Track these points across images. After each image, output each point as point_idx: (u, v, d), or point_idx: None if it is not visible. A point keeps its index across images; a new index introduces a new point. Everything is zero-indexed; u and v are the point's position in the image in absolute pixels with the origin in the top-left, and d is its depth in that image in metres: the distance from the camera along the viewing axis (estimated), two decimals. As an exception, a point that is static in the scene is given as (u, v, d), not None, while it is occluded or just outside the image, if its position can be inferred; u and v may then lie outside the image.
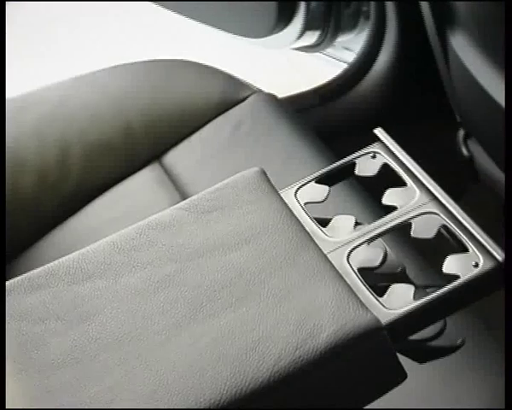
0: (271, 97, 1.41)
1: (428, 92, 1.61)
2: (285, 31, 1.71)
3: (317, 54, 1.82)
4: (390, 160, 0.95)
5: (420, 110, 1.61)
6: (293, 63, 1.91)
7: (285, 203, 0.94)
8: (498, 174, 1.53)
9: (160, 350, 0.84)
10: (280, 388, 0.80)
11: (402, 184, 0.93)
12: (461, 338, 0.90)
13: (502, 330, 1.44)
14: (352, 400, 0.84)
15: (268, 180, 0.96)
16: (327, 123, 1.67)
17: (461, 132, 1.61)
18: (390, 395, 0.84)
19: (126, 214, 1.30)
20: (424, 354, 0.88)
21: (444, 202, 0.90)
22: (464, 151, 1.61)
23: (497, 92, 1.35)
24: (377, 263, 0.89)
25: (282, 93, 1.58)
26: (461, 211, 0.89)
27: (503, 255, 0.85)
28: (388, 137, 0.97)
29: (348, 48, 1.79)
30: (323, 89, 1.73)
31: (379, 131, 0.97)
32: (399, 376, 0.84)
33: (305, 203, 0.95)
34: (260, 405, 0.80)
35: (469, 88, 1.41)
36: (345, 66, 1.76)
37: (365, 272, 0.88)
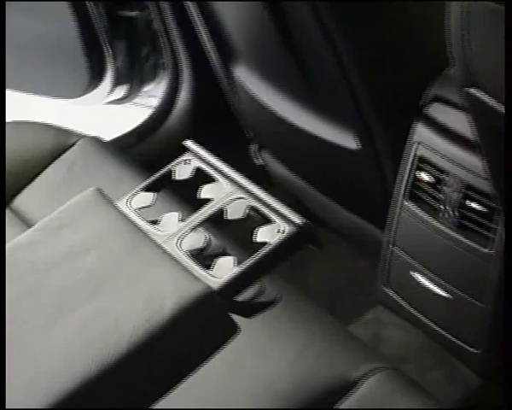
0: (97, 140, 1.42)
1: (222, 118, 1.66)
2: (97, 89, 1.73)
3: (128, 104, 1.84)
4: (200, 163, 0.99)
5: (217, 133, 1.65)
6: (110, 113, 1.92)
7: (120, 211, 0.96)
8: (288, 175, 1.58)
9: (35, 346, 0.84)
10: (138, 355, 0.82)
11: (213, 180, 0.96)
12: (278, 294, 0.93)
13: (312, 292, 1.50)
14: (197, 356, 0.86)
15: (104, 195, 0.98)
16: (146, 155, 1.69)
17: (253, 146, 1.66)
18: (230, 347, 0.86)
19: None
20: (250, 310, 0.91)
21: (248, 187, 0.94)
22: (257, 160, 1.66)
23: (279, 107, 1.40)
24: (202, 245, 0.92)
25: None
26: (263, 192, 0.93)
27: (302, 220, 0.89)
28: (196, 146, 1.00)
29: (153, 95, 1.82)
30: (137, 130, 1.75)
31: (188, 142, 1.00)
32: (233, 330, 0.86)
33: (138, 209, 0.97)
34: (125, 372, 0.82)
35: (255, 108, 1.46)
36: (151, 110, 1.79)
37: (194, 255, 0.91)
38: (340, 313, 1.36)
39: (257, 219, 0.93)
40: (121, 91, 1.77)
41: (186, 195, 1.04)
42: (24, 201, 1.35)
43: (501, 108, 0.78)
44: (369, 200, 1.37)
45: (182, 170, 0.99)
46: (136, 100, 1.83)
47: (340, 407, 0.95)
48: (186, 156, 1.00)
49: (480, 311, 1.14)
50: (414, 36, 1.13)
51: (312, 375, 0.99)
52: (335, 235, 1.55)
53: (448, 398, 1.20)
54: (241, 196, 0.94)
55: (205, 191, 0.96)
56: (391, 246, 1.24)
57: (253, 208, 0.93)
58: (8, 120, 1.51)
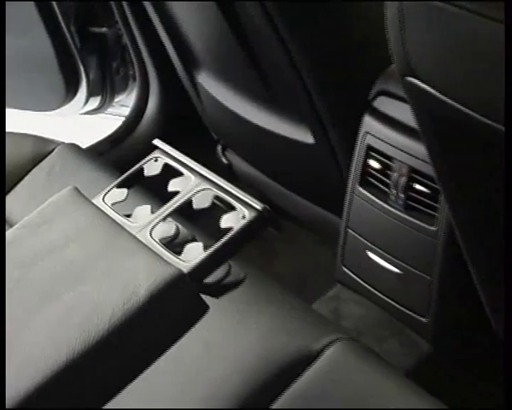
0: (74, 146, 1.43)
1: (189, 122, 1.67)
2: (72, 101, 1.74)
3: (101, 114, 1.85)
4: (168, 159, 1.00)
5: (185, 137, 1.66)
6: (85, 123, 1.93)
7: (97, 207, 0.97)
8: (253, 172, 1.59)
9: (23, 332, 0.85)
10: (118, 334, 0.83)
11: (180, 174, 0.98)
12: (243, 274, 0.94)
13: (279, 276, 1.52)
14: (171, 334, 0.88)
15: (81, 193, 0.99)
16: (119, 159, 1.70)
17: (219, 147, 1.67)
18: (201, 326, 0.88)
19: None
20: (218, 290, 0.92)
21: (212, 179, 0.95)
22: (223, 160, 1.67)
23: (240, 109, 1.41)
24: (172, 233, 0.93)
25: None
26: (226, 182, 0.94)
27: (262, 205, 0.90)
28: (164, 144, 1.01)
29: (124, 104, 1.83)
30: (111, 137, 1.76)
31: (156, 141, 1.02)
32: (203, 309, 0.88)
33: (112, 204, 0.98)
34: (105, 352, 0.83)
35: (218, 111, 1.47)
36: (123, 118, 1.80)
37: (166, 243, 0.92)
38: (304, 292, 1.38)
39: (221, 207, 0.94)
40: (95, 102, 1.78)
41: (156, 189, 1.05)
42: (7, 205, 1.35)
43: (436, 95, 0.80)
44: (329, 190, 1.39)
45: (151, 167, 1.01)
46: (109, 110, 1.84)
47: (304, 375, 0.97)
48: (155, 154, 1.01)
49: (428, 283, 1.16)
50: (359, 36, 1.15)
51: (279, 349, 1.01)
52: (299, 225, 1.57)
53: (402, 364, 1.22)
54: (207, 187, 0.95)
55: (173, 185, 0.97)
56: (346, 229, 1.27)
57: (217, 198, 0.95)
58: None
